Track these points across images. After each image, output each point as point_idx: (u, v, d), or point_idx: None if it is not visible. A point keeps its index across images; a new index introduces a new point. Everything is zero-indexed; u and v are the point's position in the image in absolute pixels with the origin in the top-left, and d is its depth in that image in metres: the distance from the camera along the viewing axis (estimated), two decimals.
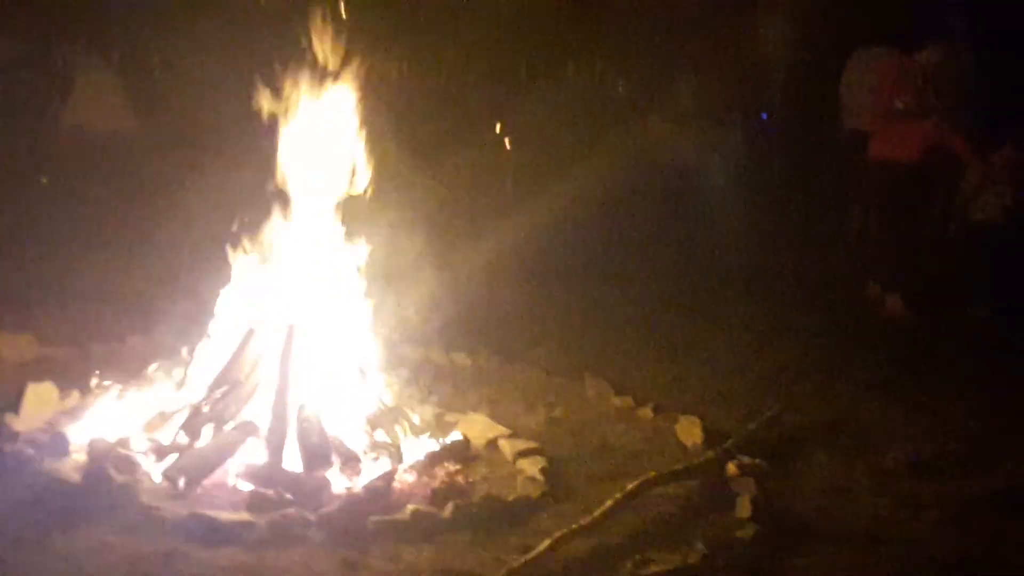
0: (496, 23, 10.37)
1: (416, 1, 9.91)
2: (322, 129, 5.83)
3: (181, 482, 5.02)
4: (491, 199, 9.72)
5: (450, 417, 6.10)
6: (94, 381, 5.92)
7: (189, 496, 4.99)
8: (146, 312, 7.21)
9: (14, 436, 5.38)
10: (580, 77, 11.01)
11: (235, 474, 5.19)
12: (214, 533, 4.66)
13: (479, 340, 7.37)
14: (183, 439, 5.35)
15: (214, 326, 5.90)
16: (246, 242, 5.85)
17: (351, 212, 5.90)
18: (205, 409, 5.44)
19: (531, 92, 10.52)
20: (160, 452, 5.29)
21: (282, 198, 5.83)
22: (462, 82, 10.34)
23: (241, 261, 5.86)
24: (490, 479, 5.45)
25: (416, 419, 5.89)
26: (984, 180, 8.67)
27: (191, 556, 4.50)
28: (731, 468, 5.54)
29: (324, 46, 5.77)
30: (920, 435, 6.24)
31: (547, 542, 4.62)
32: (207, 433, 5.38)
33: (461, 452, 5.64)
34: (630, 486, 5.13)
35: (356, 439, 5.49)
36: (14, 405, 5.61)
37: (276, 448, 5.27)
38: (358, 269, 5.94)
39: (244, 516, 4.81)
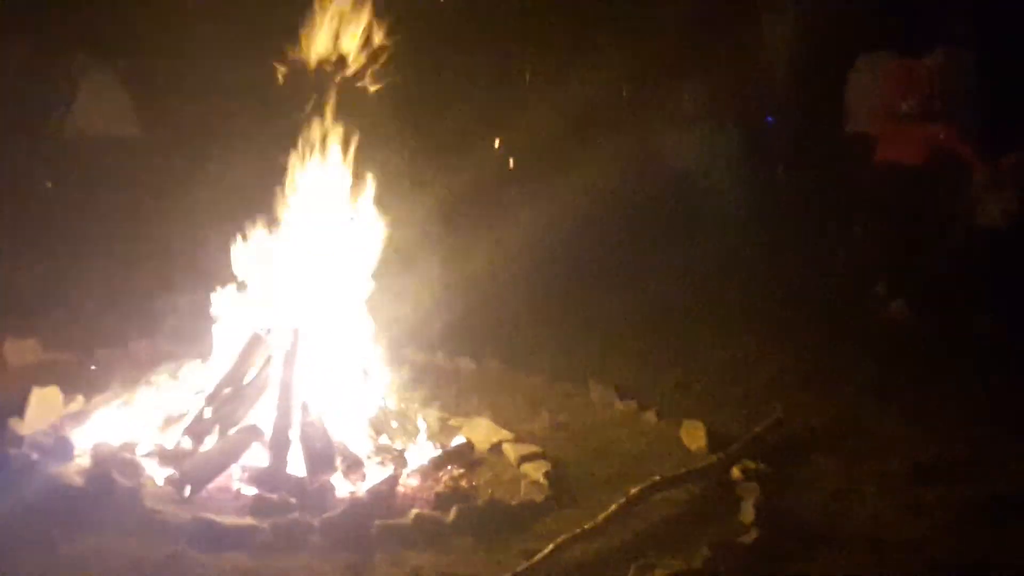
0: (498, 27, 10.39)
1: (420, 6, 9.91)
2: (327, 134, 5.85)
3: (185, 487, 5.02)
4: (494, 203, 9.71)
5: (454, 421, 6.11)
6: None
7: (193, 500, 4.99)
8: (150, 316, 7.21)
9: (19, 440, 5.39)
10: (583, 81, 11.01)
11: (239, 478, 5.19)
12: (218, 537, 4.67)
13: (483, 344, 7.37)
14: (187, 443, 5.36)
15: (218, 330, 5.91)
16: (251, 246, 5.86)
17: (355, 215, 5.91)
18: (209, 413, 5.45)
19: (533, 96, 10.52)
20: (164, 456, 5.30)
21: (287, 202, 5.84)
22: (464, 87, 10.35)
23: (246, 265, 5.86)
24: (494, 483, 5.45)
25: (420, 423, 5.90)
26: (990, 184, 8.66)
27: (195, 560, 4.51)
28: (735, 472, 5.54)
29: (329, 51, 5.79)
30: (923, 439, 6.22)
31: (551, 546, 4.63)
32: (211, 437, 5.39)
33: (465, 456, 5.65)
34: (634, 490, 5.13)
35: (360, 443, 5.49)
36: (19, 409, 5.62)
37: (280, 452, 5.27)
38: (362, 273, 5.95)
39: (248, 520, 4.82)
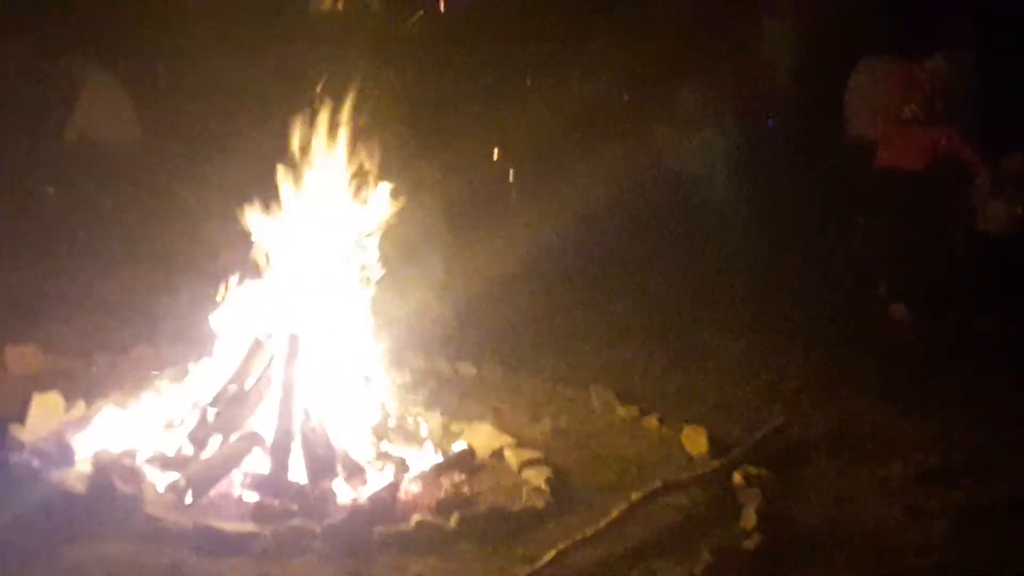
0: (500, 29, 10.40)
1: (422, 8, 9.92)
2: (327, 139, 5.85)
3: (187, 493, 5.02)
4: (495, 207, 9.71)
5: (455, 427, 6.10)
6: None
7: (194, 507, 4.99)
8: (151, 322, 7.21)
9: (20, 447, 5.38)
10: (585, 84, 11.01)
11: (240, 485, 5.19)
12: (219, 544, 4.67)
13: (484, 350, 7.37)
14: (188, 449, 5.35)
15: (219, 336, 5.90)
16: (251, 250, 5.86)
17: (356, 223, 5.91)
18: (210, 419, 5.44)
19: (535, 99, 10.52)
20: (165, 463, 5.30)
21: (287, 206, 5.84)
22: (464, 90, 10.35)
23: (247, 270, 5.86)
24: (495, 489, 5.45)
25: (421, 429, 5.89)
26: (993, 188, 8.66)
27: (196, 567, 4.52)
28: (737, 478, 5.53)
29: (329, 56, 5.79)
30: (926, 444, 6.22)
31: (552, 553, 4.63)
32: (213, 443, 5.38)
33: (466, 462, 5.64)
34: (635, 496, 5.13)
35: (361, 449, 5.49)
36: (20, 416, 5.62)
37: (281, 459, 5.27)
38: (363, 278, 5.95)
39: (249, 527, 4.82)
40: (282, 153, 5.82)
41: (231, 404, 5.49)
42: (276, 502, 5.04)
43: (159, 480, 5.20)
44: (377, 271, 5.94)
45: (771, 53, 11.41)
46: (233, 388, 5.54)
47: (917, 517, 5.36)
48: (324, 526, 4.82)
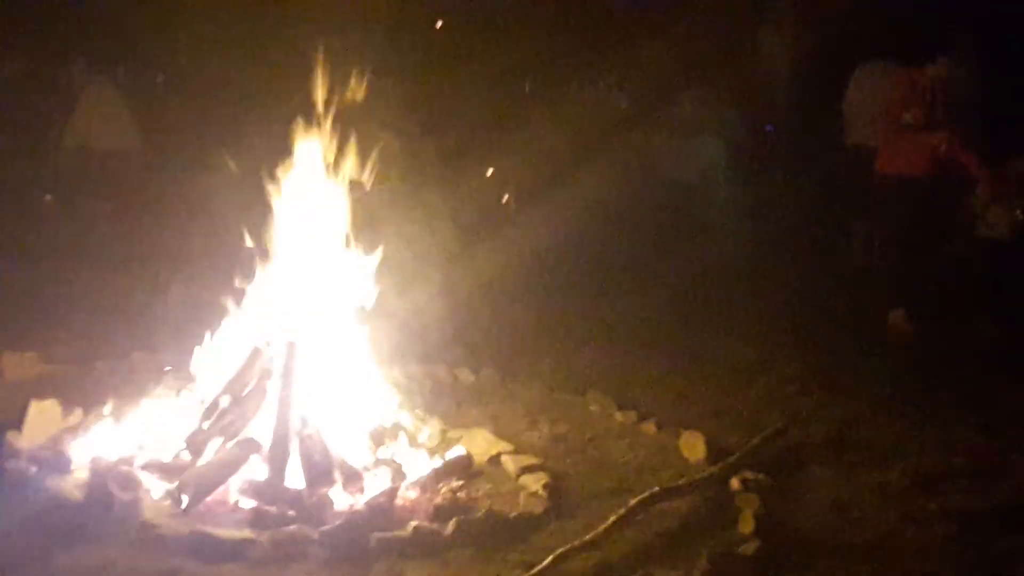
0: (502, 39, 10.42)
1: (425, 19, 9.95)
2: (326, 147, 5.86)
3: (184, 500, 5.02)
4: (494, 214, 9.73)
5: (453, 433, 6.09)
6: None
7: (191, 513, 4.98)
8: (149, 329, 7.21)
9: (17, 453, 5.39)
10: (584, 92, 11.04)
11: (238, 491, 5.18)
12: (216, 550, 4.66)
13: (482, 356, 7.37)
14: (186, 456, 5.35)
15: (217, 343, 5.90)
16: (251, 259, 5.86)
17: (354, 228, 5.92)
18: (208, 426, 5.44)
19: (535, 107, 10.54)
20: (162, 469, 5.30)
21: (286, 215, 5.84)
22: (465, 99, 10.37)
23: (245, 278, 5.86)
24: (493, 495, 5.44)
25: (419, 435, 5.89)
26: (994, 195, 8.66)
27: (193, 573, 4.51)
28: (734, 483, 5.53)
29: (331, 65, 5.81)
30: (925, 450, 6.21)
31: (550, 558, 4.62)
32: (210, 450, 5.38)
33: (464, 468, 5.64)
34: (633, 502, 5.12)
35: (359, 456, 5.48)
36: (17, 422, 5.62)
37: (279, 465, 5.26)
38: (361, 285, 5.95)
39: (246, 533, 4.81)
40: (282, 157, 5.83)
41: (229, 411, 5.48)
42: (273, 508, 5.03)
43: (156, 487, 5.20)
44: (375, 278, 5.95)
45: (771, 60, 11.43)
46: (230, 395, 5.53)
47: (915, 523, 5.35)
48: (321, 532, 4.82)
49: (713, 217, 10.67)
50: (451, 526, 4.92)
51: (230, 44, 9.35)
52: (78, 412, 5.89)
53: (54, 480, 5.15)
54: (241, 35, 9.36)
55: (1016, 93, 9.06)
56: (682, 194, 10.76)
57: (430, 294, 7.18)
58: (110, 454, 5.36)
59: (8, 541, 4.61)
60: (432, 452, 5.77)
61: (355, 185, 5.84)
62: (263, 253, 5.80)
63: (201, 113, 9.68)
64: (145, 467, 5.32)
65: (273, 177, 5.81)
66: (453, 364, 7.16)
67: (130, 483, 5.16)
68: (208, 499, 5.09)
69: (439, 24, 9.91)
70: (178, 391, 6.01)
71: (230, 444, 5.38)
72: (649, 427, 6.36)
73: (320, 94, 5.83)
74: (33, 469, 5.21)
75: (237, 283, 5.83)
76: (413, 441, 5.82)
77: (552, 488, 5.41)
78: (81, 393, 6.15)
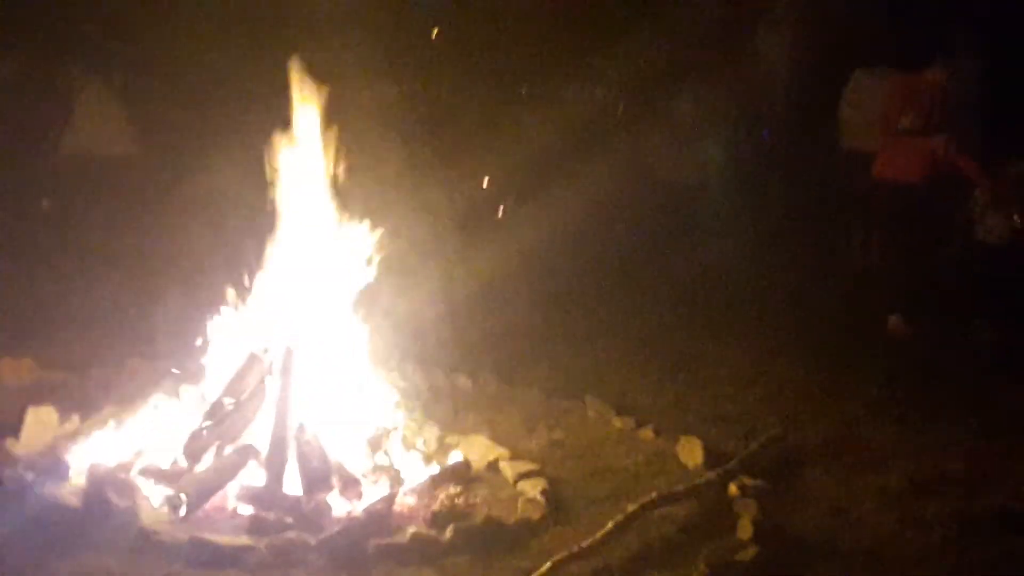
0: (497, 40, 10.41)
1: (418, 20, 9.94)
2: (321, 150, 5.85)
3: (181, 506, 5.01)
4: (490, 217, 9.72)
5: (451, 439, 6.09)
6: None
7: (189, 520, 4.98)
8: (146, 335, 7.20)
9: (14, 460, 5.38)
10: (580, 95, 11.03)
11: (235, 497, 5.18)
12: (214, 557, 4.66)
13: (479, 361, 7.36)
14: (183, 462, 5.34)
15: (214, 349, 5.90)
16: (246, 265, 5.85)
17: (350, 232, 5.91)
18: (205, 432, 5.43)
19: (531, 110, 10.53)
20: (160, 476, 5.29)
21: (282, 219, 5.84)
22: (460, 101, 10.37)
23: (242, 284, 5.86)
24: (491, 501, 5.44)
25: (417, 441, 5.88)
26: (993, 200, 8.66)
27: None
28: (732, 489, 5.52)
29: (325, 68, 5.80)
30: (923, 454, 6.21)
31: (548, 564, 4.62)
32: (208, 456, 5.37)
33: (462, 474, 5.63)
34: (631, 508, 5.12)
35: (356, 462, 5.48)
36: (14, 429, 5.62)
37: (276, 471, 5.26)
38: (358, 290, 5.94)
39: (244, 540, 4.81)
40: (278, 163, 5.83)
41: (226, 417, 5.48)
42: (271, 515, 5.03)
43: (154, 493, 5.19)
44: (372, 282, 5.94)
45: (768, 64, 11.41)
46: (228, 401, 5.53)
47: (914, 527, 5.35)
48: (319, 539, 4.81)
49: (711, 220, 10.65)
50: (449, 532, 4.92)
51: (230, 44, 9.34)
52: (75, 418, 5.88)
53: (51, 487, 5.13)
54: (241, 35, 9.35)
55: (1014, 98, 9.05)
56: (680, 196, 10.74)
57: (428, 296, 7.18)
58: (108, 460, 5.35)
59: (6, 548, 4.61)
60: (430, 458, 5.77)
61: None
62: (261, 256, 5.80)
63: (200, 114, 9.66)
64: (143, 473, 5.31)
65: (271, 177, 5.81)
66: (451, 370, 7.14)
67: (128, 490, 5.15)
68: (206, 506, 5.09)
69: (435, 33, 9.90)
70: (176, 397, 6.00)
71: (228, 450, 5.38)
72: (647, 433, 6.35)
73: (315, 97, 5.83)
74: (30, 476, 5.19)
75: (235, 287, 5.82)
76: (411, 447, 5.81)
77: (550, 494, 5.41)
78: (78, 399, 6.15)
